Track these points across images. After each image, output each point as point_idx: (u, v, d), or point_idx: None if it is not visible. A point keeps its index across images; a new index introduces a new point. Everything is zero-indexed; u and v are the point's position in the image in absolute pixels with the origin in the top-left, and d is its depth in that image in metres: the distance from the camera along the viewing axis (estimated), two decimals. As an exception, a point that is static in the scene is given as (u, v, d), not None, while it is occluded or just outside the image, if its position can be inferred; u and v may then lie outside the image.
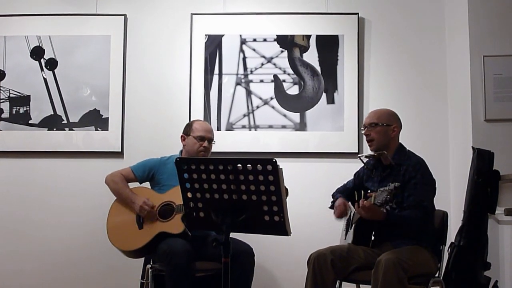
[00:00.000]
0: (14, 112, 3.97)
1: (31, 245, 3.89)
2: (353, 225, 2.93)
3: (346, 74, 3.92)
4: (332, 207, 3.19)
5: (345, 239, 3.07)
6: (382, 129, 2.94)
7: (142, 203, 3.12)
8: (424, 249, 2.80)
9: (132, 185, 3.31)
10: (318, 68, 3.95)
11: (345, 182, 3.27)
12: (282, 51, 3.98)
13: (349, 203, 3.10)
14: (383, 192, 2.65)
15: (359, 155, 3.13)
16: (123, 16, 4.01)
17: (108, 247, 3.16)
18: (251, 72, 3.99)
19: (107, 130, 3.95)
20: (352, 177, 3.24)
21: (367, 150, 3.74)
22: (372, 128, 2.95)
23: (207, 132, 3.34)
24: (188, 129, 3.38)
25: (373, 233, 2.88)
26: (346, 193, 3.19)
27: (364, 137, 3.04)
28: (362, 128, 3.05)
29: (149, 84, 4.02)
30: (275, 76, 3.97)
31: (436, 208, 2.94)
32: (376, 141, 2.94)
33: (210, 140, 3.34)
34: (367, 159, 3.09)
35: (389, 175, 2.93)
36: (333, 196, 3.24)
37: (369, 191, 2.88)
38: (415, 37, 3.99)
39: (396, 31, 4.00)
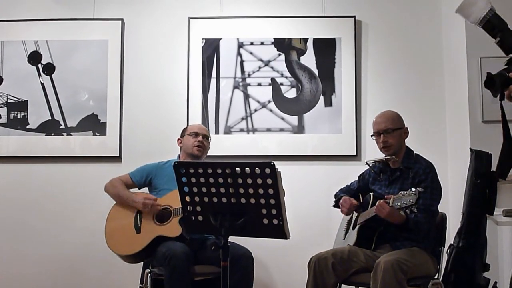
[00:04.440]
0: (11, 117, 3.96)
1: (28, 250, 3.87)
2: (357, 226, 2.93)
3: (343, 76, 3.92)
4: (336, 205, 3.16)
5: (344, 239, 3.06)
6: (397, 133, 2.93)
7: (144, 198, 3.15)
8: (423, 251, 2.80)
9: (131, 191, 3.31)
10: (316, 71, 3.95)
11: (348, 184, 3.25)
12: (279, 54, 3.98)
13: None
14: (405, 196, 2.59)
15: (366, 161, 3.10)
16: (120, 21, 4.01)
17: (106, 252, 3.16)
18: (249, 75, 3.99)
19: (105, 134, 3.94)
20: (356, 179, 3.22)
21: (366, 152, 3.79)
22: (388, 134, 2.91)
23: (201, 129, 3.40)
24: (183, 131, 3.44)
25: (376, 236, 2.87)
26: (349, 195, 3.17)
27: (376, 143, 2.97)
28: (372, 135, 2.98)
29: (147, 88, 4.01)
30: (273, 79, 3.97)
31: (435, 211, 2.94)
32: (394, 146, 2.92)
33: (205, 137, 3.35)
34: (375, 163, 3.07)
35: (397, 178, 2.93)
36: (336, 196, 3.22)
37: (384, 195, 2.83)
38: (412, 39, 3.99)
39: (393, 33, 4.01)
